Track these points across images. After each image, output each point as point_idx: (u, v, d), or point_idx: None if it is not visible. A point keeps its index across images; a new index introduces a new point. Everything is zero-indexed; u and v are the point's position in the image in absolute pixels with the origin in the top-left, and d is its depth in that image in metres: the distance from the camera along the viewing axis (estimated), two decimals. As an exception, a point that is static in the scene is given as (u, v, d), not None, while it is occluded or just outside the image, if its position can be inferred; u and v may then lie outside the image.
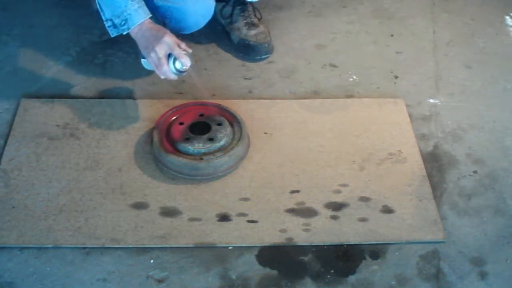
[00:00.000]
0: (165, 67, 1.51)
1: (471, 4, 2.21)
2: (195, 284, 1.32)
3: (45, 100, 1.72)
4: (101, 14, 1.56)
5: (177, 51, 1.50)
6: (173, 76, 1.53)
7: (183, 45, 1.54)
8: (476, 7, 2.19)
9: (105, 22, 1.56)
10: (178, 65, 1.53)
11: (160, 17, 1.71)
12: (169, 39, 1.50)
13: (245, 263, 1.37)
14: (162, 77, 1.54)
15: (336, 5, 2.17)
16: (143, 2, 1.53)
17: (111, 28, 1.56)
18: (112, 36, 1.57)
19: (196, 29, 1.78)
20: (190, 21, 1.74)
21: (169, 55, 1.52)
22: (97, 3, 1.55)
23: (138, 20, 1.52)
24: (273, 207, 1.47)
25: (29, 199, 1.46)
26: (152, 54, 1.51)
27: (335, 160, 1.59)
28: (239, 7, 1.92)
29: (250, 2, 1.90)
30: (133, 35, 1.55)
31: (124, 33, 1.55)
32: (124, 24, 1.53)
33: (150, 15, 1.55)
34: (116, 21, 1.53)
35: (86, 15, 2.02)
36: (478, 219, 1.48)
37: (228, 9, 1.93)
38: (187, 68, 1.53)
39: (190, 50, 1.54)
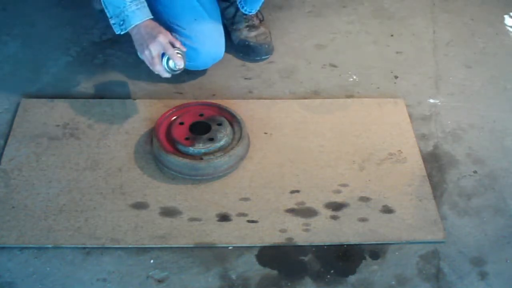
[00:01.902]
0: (158, 67, 1.57)
1: (471, 4, 2.21)
2: (195, 284, 1.32)
3: (45, 100, 1.72)
4: (106, 11, 1.59)
5: (170, 51, 1.55)
6: (166, 75, 1.59)
7: (177, 43, 1.58)
8: (476, 7, 2.19)
9: (109, 20, 1.60)
10: (171, 64, 1.57)
11: None
12: (163, 38, 1.55)
13: (245, 263, 1.37)
14: (156, 73, 1.59)
15: (336, 5, 2.17)
16: (144, 4, 1.57)
17: (114, 26, 1.60)
18: (116, 33, 1.61)
19: (203, 68, 1.83)
20: (200, 61, 1.78)
21: (163, 54, 1.56)
22: (101, 1, 1.58)
23: (135, 22, 1.56)
24: (273, 207, 1.47)
25: (29, 199, 1.46)
26: (146, 52, 1.56)
27: (335, 160, 1.59)
28: None
29: (249, 13, 1.90)
30: (130, 32, 1.59)
31: (122, 32, 1.59)
32: (122, 24, 1.57)
33: (150, 17, 1.58)
34: (116, 20, 1.58)
35: (86, 15, 2.02)
36: (478, 219, 1.48)
37: (231, 10, 1.92)
38: (181, 67, 1.57)
39: (184, 49, 1.59)
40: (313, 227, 1.43)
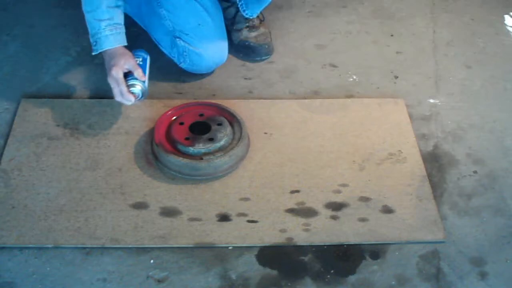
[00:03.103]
0: (116, 98, 1.56)
1: (471, 4, 2.21)
2: (195, 284, 1.32)
3: (45, 100, 1.73)
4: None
5: (120, 87, 1.54)
6: (127, 103, 1.57)
7: (136, 72, 1.57)
8: (476, 7, 2.19)
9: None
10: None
11: (176, 54, 1.78)
12: (115, 72, 1.53)
13: (245, 263, 1.37)
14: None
15: (336, 5, 2.18)
16: (119, 31, 1.58)
17: (91, 44, 1.60)
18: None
19: (206, 72, 1.83)
20: (203, 65, 1.80)
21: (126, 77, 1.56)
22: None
23: (105, 47, 1.57)
24: (273, 207, 1.47)
25: (29, 199, 1.46)
26: (108, 81, 1.57)
27: (335, 160, 1.59)
28: None
29: (250, 17, 1.90)
30: (103, 55, 1.60)
31: (93, 53, 1.59)
32: (95, 45, 1.58)
33: (123, 44, 1.58)
34: (92, 40, 1.59)
35: (86, 15, 2.02)
36: (478, 219, 1.48)
37: (231, 11, 1.92)
38: (131, 101, 1.56)
39: (144, 78, 1.58)
40: (313, 227, 1.43)
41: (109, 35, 1.56)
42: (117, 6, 1.58)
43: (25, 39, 1.96)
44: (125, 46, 1.60)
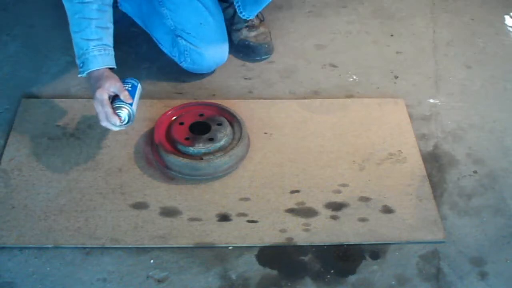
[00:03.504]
0: (101, 123, 1.47)
1: (471, 4, 2.21)
2: (195, 284, 1.32)
3: (45, 100, 1.73)
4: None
5: (105, 109, 1.45)
6: (114, 129, 1.49)
7: (122, 94, 1.48)
8: (476, 7, 2.19)
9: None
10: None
11: (177, 53, 1.78)
12: (100, 94, 1.44)
13: (245, 263, 1.37)
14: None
15: (336, 5, 2.18)
16: (108, 52, 1.51)
17: (78, 66, 1.52)
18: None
19: (206, 71, 1.83)
20: (204, 64, 1.79)
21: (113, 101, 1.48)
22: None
23: (93, 67, 1.48)
24: (273, 207, 1.47)
25: (29, 199, 1.46)
26: (94, 105, 1.48)
27: (335, 160, 1.59)
28: None
29: (247, 18, 1.90)
30: (89, 78, 1.52)
31: (80, 75, 1.52)
32: (82, 66, 1.50)
33: (111, 66, 1.51)
34: (78, 61, 1.51)
35: (86, 15, 2.02)
36: (478, 219, 1.48)
37: (230, 11, 1.92)
38: (116, 124, 1.46)
39: (130, 101, 1.48)
40: (313, 227, 1.43)
41: (97, 55, 1.49)
42: (107, 28, 1.52)
43: (25, 39, 1.96)
44: (113, 71, 1.52)
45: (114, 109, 1.46)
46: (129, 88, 1.52)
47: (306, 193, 1.51)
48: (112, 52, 1.52)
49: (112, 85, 1.47)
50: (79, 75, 1.52)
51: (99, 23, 1.50)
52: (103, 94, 1.45)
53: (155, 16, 1.77)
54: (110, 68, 1.51)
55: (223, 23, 1.83)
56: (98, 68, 1.49)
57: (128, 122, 1.49)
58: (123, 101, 1.47)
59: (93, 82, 1.49)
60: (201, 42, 1.74)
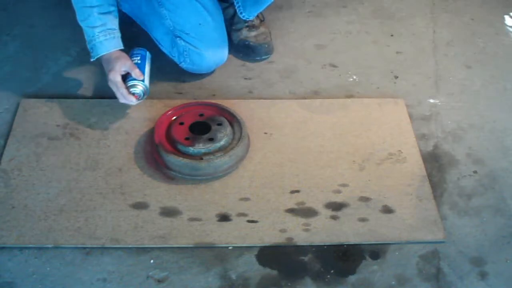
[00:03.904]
0: (120, 100, 1.60)
1: (471, 4, 2.21)
2: (195, 284, 1.32)
3: (45, 100, 1.73)
4: None
5: (121, 91, 1.57)
6: (132, 103, 1.62)
7: (134, 72, 1.59)
8: (476, 7, 2.19)
9: None
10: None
11: (177, 54, 1.79)
12: (112, 76, 1.57)
13: (245, 263, 1.37)
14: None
15: (336, 5, 2.18)
16: (114, 35, 1.61)
17: (90, 51, 1.63)
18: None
19: (206, 72, 1.84)
20: (204, 65, 1.80)
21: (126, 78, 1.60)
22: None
23: (102, 52, 1.60)
24: (273, 207, 1.47)
25: (29, 199, 1.46)
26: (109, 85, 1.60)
27: (335, 160, 1.59)
28: None
29: (247, 19, 1.90)
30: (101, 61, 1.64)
31: (92, 60, 1.63)
32: (92, 51, 1.62)
33: (119, 48, 1.61)
34: (89, 46, 1.62)
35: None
36: (478, 219, 1.48)
37: (230, 11, 1.92)
38: (133, 102, 1.60)
39: (142, 77, 1.60)
40: (313, 227, 1.43)
41: (103, 40, 1.59)
42: (109, 12, 1.60)
43: (25, 39, 1.96)
44: (122, 50, 1.62)
45: (128, 87, 1.58)
46: (139, 61, 1.64)
47: (306, 193, 1.51)
48: (118, 34, 1.62)
49: (123, 65, 1.58)
50: (92, 59, 1.62)
51: (101, 9, 1.58)
52: (116, 76, 1.57)
53: (155, 17, 1.77)
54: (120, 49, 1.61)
55: (222, 23, 1.83)
56: (106, 52, 1.59)
57: (143, 97, 1.61)
58: (135, 78, 1.59)
59: (105, 64, 1.61)
60: (201, 43, 1.74)
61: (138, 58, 1.65)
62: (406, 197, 1.51)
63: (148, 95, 1.62)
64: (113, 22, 1.62)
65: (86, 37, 1.61)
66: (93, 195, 1.48)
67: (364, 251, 1.40)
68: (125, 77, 1.59)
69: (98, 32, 1.58)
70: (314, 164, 1.58)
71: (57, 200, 1.46)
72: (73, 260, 1.35)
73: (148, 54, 1.69)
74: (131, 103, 1.61)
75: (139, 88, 1.59)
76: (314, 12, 2.14)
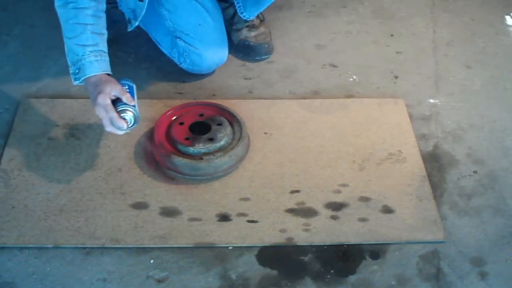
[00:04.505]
0: (107, 128, 1.44)
1: (471, 4, 2.21)
2: (195, 284, 1.32)
3: (45, 100, 1.73)
4: (67, 58, 1.50)
5: (110, 115, 1.41)
6: (119, 132, 1.45)
7: (125, 97, 1.43)
8: (476, 7, 2.19)
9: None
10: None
11: (176, 54, 1.78)
12: (102, 100, 1.40)
13: (245, 263, 1.37)
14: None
15: (336, 5, 2.17)
16: (104, 58, 1.47)
17: (72, 75, 1.49)
18: (73, 83, 1.49)
19: (206, 72, 1.83)
20: (204, 65, 1.79)
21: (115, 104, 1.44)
22: (65, 46, 1.50)
23: (90, 73, 1.44)
24: (273, 207, 1.47)
25: (29, 199, 1.46)
26: (95, 112, 1.44)
27: (335, 160, 1.59)
28: None
29: (248, 19, 1.90)
30: (85, 85, 1.49)
31: (76, 83, 1.48)
32: (77, 72, 1.46)
33: (107, 72, 1.47)
34: (73, 69, 1.47)
35: (86, 15, 2.01)
36: (478, 219, 1.48)
37: (230, 11, 1.92)
38: (123, 128, 1.43)
39: (133, 103, 1.45)
40: (313, 227, 1.43)
41: (94, 61, 1.44)
42: (102, 34, 1.49)
43: (25, 39, 1.96)
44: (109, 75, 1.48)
45: (118, 112, 1.42)
46: (127, 90, 1.48)
47: (306, 193, 1.51)
48: (107, 58, 1.48)
49: (113, 89, 1.43)
50: (75, 83, 1.48)
51: (95, 28, 1.46)
52: (105, 99, 1.41)
53: (154, 17, 1.77)
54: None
55: (222, 23, 1.83)
56: (95, 73, 1.45)
57: (134, 124, 1.45)
58: (126, 104, 1.43)
59: (92, 88, 1.44)
60: (200, 43, 1.74)
61: (126, 87, 1.49)
62: (406, 197, 1.51)
63: (138, 124, 1.46)
64: (104, 45, 1.48)
65: (70, 56, 1.47)
66: (93, 195, 1.48)
67: (364, 251, 1.40)
68: (114, 103, 1.43)
69: (89, 52, 1.44)
70: (314, 164, 1.58)
71: (57, 200, 1.46)
72: (73, 260, 1.35)
73: (134, 86, 1.52)
74: (119, 131, 1.43)
75: (130, 114, 1.43)
76: (314, 12, 2.14)
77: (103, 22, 1.50)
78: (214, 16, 1.79)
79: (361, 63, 1.93)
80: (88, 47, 1.45)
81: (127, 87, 1.49)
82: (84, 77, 1.45)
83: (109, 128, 1.43)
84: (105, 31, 1.50)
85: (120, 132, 1.44)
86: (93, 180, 1.51)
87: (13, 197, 1.46)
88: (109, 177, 1.52)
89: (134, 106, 1.45)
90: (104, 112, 1.41)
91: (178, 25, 1.74)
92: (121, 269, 1.34)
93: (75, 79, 1.48)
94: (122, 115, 1.42)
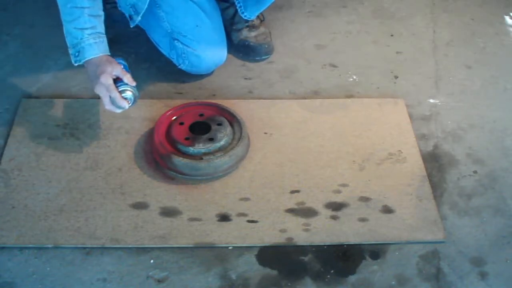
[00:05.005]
0: (107, 106, 1.48)
1: (471, 4, 2.21)
2: (195, 284, 1.32)
3: (45, 100, 1.73)
4: (66, 40, 1.54)
5: (113, 94, 1.46)
6: (118, 111, 1.50)
7: (126, 77, 1.49)
8: (476, 7, 2.19)
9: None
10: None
11: (175, 56, 1.78)
12: (104, 79, 1.45)
13: (245, 263, 1.37)
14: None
15: (336, 5, 2.17)
16: (102, 39, 1.52)
17: (71, 56, 1.53)
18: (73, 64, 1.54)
19: (205, 73, 1.83)
20: (203, 66, 1.79)
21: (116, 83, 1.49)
22: (64, 29, 1.54)
23: (90, 55, 1.49)
24: (273, 207, 1.47)
25: (29, 199, 1.46)
26: (95, 90, 1.49)
27: (335, 160, 1.59)
28: None
29: (249, 19, 1.90)
30: (85, 65, 1.53)
31: (76, 64, 1.52)
32: (77, 55, 1.51)
33: (107, 53, 1.51)
34: (73, 50, 1.51)
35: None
36: (478, 219, 1.48)
37: (230, 11, 1.92)
38: (125, 108, 1.49)
39: (134, 83, 1.50)
40: (313, 227, 1.43)
41: (93, 43, 1.49)
42: (99, 16, 1.52)
43: (25, 39, 1.96)
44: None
45: (119, 92, 1.47)
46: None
47: (306, 193, 1.51)
48: (105, 40, 1.53)
49: (115, 69, 1.48)
50: (75, 64, 1.52)
51: (91, 11, 1.50)
52: (108, 79, 1.46)
53: (153, 19, 1.76)
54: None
55: (220, 23, 1.83)
56: (94, 56, 1.49)
57: (133, 103, 1.51)
58: (126, 83, 1.49)
59: (93, 68, 1.49)
60: (198, 44, 1.74)
61: (122, 67, 1.53)
62: (406, 197, 1.51)
63: (136, 103, 1.52)
64: (102, 26, 1.53)
65: (70, 39, 1.51)
66: (93, 195, 1.48)
67: (364, 251, 1.40)
68: (114, 82, 1.48)
69: (88, 35, 1.49)
70: (314, 164, 1.58)
71: (57, 200, 1.46)
72: (73, 260, 1.35)
73: (127, 64, 1.56)
74: (119, 110, 1.49)
75: (130, 94, 1.49)
76: (314, 12, 2.14)
77: (99, 3, 1.53)
78: (212, 17, 1.78)
79: (361, 63, 1.93)
80: (86, 30, 1.49)
81: (122, 66, 1.54)
82: (85, 59, 1.50)
83: (108, 107, 1.48)
84: (101, 13, 1.54)
85: (119, 111, 1.50)
86: (93, 180, 1.51)
87: (13, 197, 1.46)
88: (109, 177, 1.52)
89: (134, 86, 1.50)
90: (105, 91, 1.46)
91: (175, 27, 1.74)
92: (121, 269, 1.34)
93: (75, 61, 1.52)
94: (123, 95, 1.48)
